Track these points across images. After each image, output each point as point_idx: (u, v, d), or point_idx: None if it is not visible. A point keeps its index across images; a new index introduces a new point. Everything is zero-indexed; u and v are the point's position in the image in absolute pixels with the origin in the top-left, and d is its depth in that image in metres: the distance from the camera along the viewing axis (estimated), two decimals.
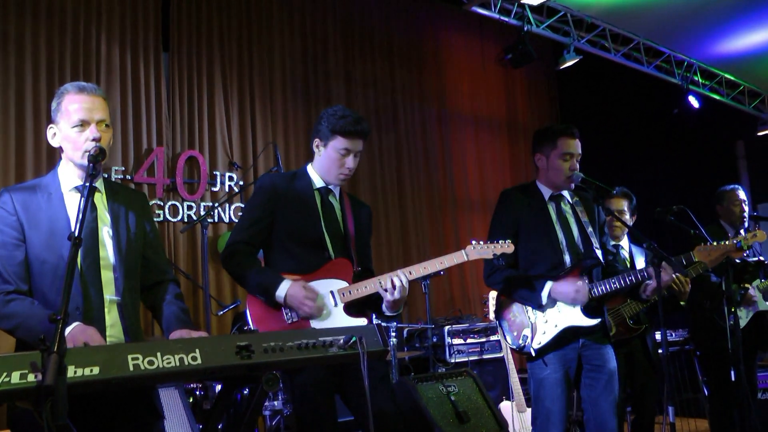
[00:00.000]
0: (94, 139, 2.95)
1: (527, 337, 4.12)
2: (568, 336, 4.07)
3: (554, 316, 4.08)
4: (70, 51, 7.27)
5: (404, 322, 7.86)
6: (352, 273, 3.65)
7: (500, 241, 3.74)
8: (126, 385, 2.39)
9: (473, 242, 3.70)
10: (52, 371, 2.02)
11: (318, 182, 3.75)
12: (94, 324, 2.87)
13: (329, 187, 3.77)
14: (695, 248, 4.28)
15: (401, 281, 3.52)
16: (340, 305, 3.57)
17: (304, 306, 3.46)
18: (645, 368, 5.31)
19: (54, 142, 3.08)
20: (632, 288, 4.12)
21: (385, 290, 3.53)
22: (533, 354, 4.10)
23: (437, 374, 4.99)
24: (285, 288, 3.47)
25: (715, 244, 4.30)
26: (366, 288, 3.58)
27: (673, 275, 4.02)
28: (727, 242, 4.29)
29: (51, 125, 3.07)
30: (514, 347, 4.23)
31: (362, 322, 3.50)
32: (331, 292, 3.58)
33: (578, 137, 4.27)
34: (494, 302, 4.48)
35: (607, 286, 4.05)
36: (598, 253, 4.20)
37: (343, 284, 3.61)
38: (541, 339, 4.08)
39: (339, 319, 3.53)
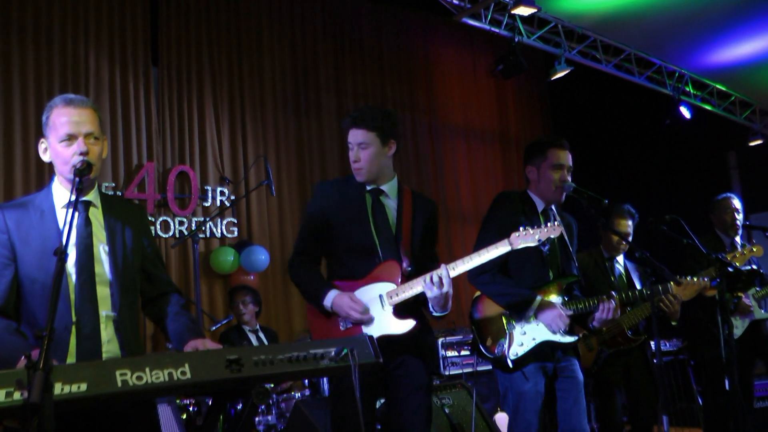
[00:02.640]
0: (81, 153, 2.88)
1: (503, 347, 4.08)
2: (545, 349, 4.05)
3: (532, 329, 4.05)
4: (58, 67, 7.26)
5: None
6: (399, 274, 3.58)
7: (549, 224, 3.64)
8: (114, 402, 2.35)
9: (521, 228, 3.58)
10: (37, 388, 1.98)
11: (369, 185, 3.75)
12: (89, 341, 2.83)
13: (380, 188, 3.73)
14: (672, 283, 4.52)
15: (441, 276, 3.45)
16: (389, 308, 3.53)
17: (351, 313, 3.48)
18: (642, 378, 5.28)
19: (45, 158, 3.02)
20: (582, 316, 4.12)
21: (429, 287, 3.47)
22: (510, 365, 4.06)
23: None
24: (331, 298, 3.53)
25: (687, 279, 4.64)
26: (412, 288, 3.52)
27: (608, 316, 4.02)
28: (700, 280, 4.68)
29: (42, 140, 3.02)
30: (490, 356, 4.16)
31: (411, 323, 3.48)
32: (380, 296, 3.55)
33: (569, 149, 4.25)
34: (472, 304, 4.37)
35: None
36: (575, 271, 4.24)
37: (391, 286, 3.56)
38: (518, 350, 4.04)
39: (389, 322, 3.50)
